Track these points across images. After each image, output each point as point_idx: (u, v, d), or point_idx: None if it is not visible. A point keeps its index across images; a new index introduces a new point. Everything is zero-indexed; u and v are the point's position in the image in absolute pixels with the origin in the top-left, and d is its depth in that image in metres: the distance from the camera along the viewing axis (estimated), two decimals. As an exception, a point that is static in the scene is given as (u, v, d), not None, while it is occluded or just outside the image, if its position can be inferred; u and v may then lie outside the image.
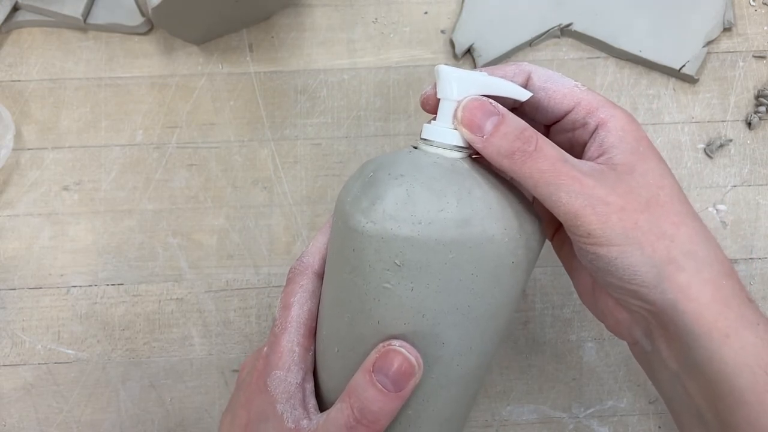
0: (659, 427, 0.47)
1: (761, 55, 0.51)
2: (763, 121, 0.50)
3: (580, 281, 0.37)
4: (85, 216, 0.49)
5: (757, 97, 0.50)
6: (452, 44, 0.51)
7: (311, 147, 0.50)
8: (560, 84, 0.34)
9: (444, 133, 0.33)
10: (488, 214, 0.31)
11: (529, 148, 0.31)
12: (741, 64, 0.51)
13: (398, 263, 0.31)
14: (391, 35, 0.51)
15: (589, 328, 0.48)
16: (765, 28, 0.52)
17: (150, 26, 0.51)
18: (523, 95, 0.33)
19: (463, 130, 0.32)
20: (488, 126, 0.32)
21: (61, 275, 0.48)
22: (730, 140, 0.50)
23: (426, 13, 0.52)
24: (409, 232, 0.30)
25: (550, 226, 0.38)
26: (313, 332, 0.36)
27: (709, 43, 0.50)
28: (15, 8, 0.50)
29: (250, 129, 0.50)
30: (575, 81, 0.35)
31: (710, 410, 0.32)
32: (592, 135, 0.34)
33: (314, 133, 0.50)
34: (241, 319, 0.48)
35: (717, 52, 0.51)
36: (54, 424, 0.46)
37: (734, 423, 0.30)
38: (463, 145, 0.33)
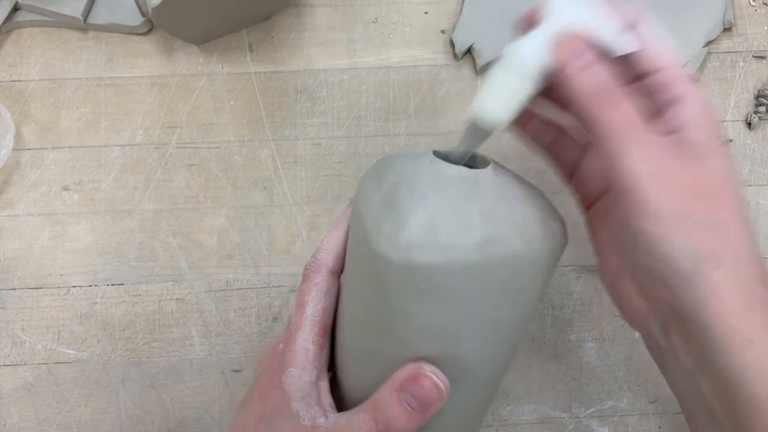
0: (659, 427, 0.47)
1: (761, 55, 0.51)
2: (763, 122, 0.50)
3: (606, 260, 0.35)
4: (85, 216, 0.49)
5: (757, 97, 0.50)
6: (452, 44, 0.51)
7: (311, 147, 0.50)
8: (658, 45, 0.32)
9: (533, 48, 0.32)
10: (512, 230, 0.31)
11: (614, 96, 0.30)
12: (741, 64, 0.51)
13: (422, 288, 0.30)
14: (391, 35, 0.51)
15: (589, 328, 0.48)
16: (765, 28, 0.52)
17: (150, 26, 0.51)
18: (626, 48, 0.32)
19: (561, 50, 0.31)
20: (585, 58, 0.31)
21: (61, 275, 0.48)
22: (730, 140, 0.50)
23: (426, 13, 0.52)
24: (434, 259, 0.30)
25: (588, 197, 0.37)
26: (327, 330, 0.36)
27: (709, 43, 0.50)
28: (15, 8, 0.50)
29: (250, 129, 0.50)
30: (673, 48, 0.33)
31: (724, 412, 0.31)
32: (669, 107, 0.32)
33: (314, 133, 0.50)
34: (241, 319, 0.48)
35: (717, 52, 0.51)
36: (54, 424, 0.46)
37: (750, 428, 0.30)
38: (542, 70, 0.32)
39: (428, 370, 0.32)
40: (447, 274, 0.30)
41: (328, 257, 0.36)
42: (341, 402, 0.35)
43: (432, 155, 0.33)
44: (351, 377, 0.35)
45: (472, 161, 0.34)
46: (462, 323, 0.31)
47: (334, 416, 0.34)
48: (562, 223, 0.34)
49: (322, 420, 0.33)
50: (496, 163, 0.34)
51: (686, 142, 0.31)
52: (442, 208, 0.30)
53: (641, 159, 0.30)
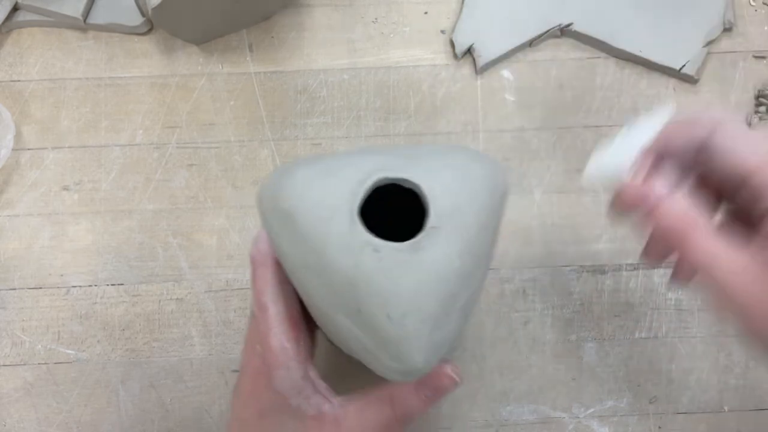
0: (659, 427, 0.47)
1: (761, 55, 0.51)
2: (763, 121, 0.50)
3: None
4: (85, 216, 0.49)
5: (757, 97, 0.50)
6: (452, 44, 0.51)
7: (311, 147, 0.50)
8: (745, 147, 0.31)
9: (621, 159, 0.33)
10: (481, 256, 0.32)
11: (696, 231, 0.30)
12: (741, 64, 0.51)
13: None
14: (391, 35, 0.51)
15: (589, 328, 0.48)
16: (765, 28, 0.52)
17: (150, 26, 0.51)
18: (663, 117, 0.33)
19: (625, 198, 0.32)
20: (652, 199, 0.32)
21: (61, 275, 0.48)
22: (730, 140, 0.50)
23: (426, 13, 0.52)
24: (440, 356, 0.31)
25: None
26: (297, 321, 0.35)
27: (709, 43, 0.50)
28: (15, 8, 0.50)
29: (250, 129, 0.50)
30: None
31: None
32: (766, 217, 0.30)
33: (314, 133, 0.50)
34: (241, 319, 0.48)
35: (717, 52, 0.51)
36: (54, 425, 0.46)
37: None
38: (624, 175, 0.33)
39: (449, 369, 0.34)
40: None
41: (269, 245, 0.35)
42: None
43: (368, 235, 0.29)
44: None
45: (398, 185, 0.32)
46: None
47: (338, 400, 0.34)
48: (502, 171, 0.34)
49: (327, 407, 0.34)
50: (425, 182, 0.31)
51: None
52: (428, 314, 0.29)
53: (742, 292, 0.29)
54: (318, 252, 0.30)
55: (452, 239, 0.30)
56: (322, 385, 0.35)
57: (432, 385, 0.33)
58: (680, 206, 0.31)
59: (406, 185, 0.30)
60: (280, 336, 0.35)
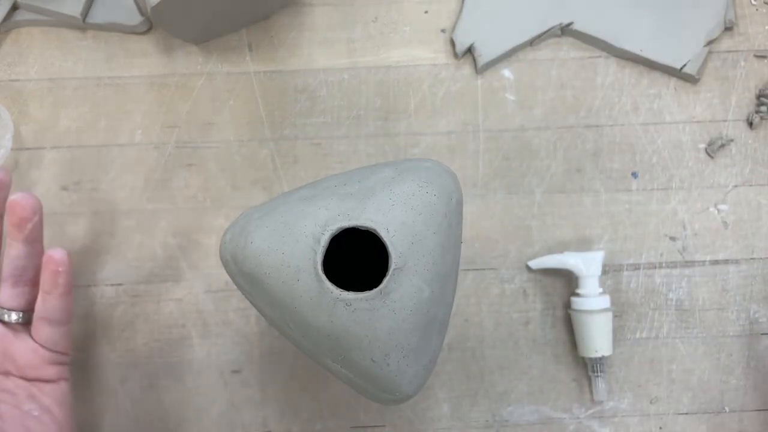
0: (660, 428, 0.47)
1: (762, 54, 0.51)
2: (764, 121, 0.50)
3: None
4: (84, 216, 0.48)
5: (758, 97, 0.50)
6: (452, 44, 0.50)
7: (311, 146, 0.50)
8: None
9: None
10: (449, 276, 0.33)
11: None
12: (742, 63, 0.51)
13: None
14: (391, 35, 0.51)
15: (590, 328, 0.48)
16: (766, 27, 0.51)
17: (149, 25, 0.51)
18: None
19: None
20: None
21: (60, 275, 0.48)
22: (732, 140, 0.50)
23: (426, 12, 0.52)
24: (429, 374, 0.34)
25: None
26: None
27: (710, 42, 0.50)
28: (14, 7, 0.49)
29: (249, 128, 0.50)
30: None
31: None
32: None
33: (314, 133, 0.50)
34: (240, 319, 0.48)
35: (718, 52, 0.51)
36: (53, 425, 0.46)
37: None
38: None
39: None
40: None
41: None
42: None
43: (338, 291, 0.30)
44: None
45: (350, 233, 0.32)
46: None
47: None
48: (453, 179, 0.34)
49: None
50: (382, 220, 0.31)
51: None
52: (409, 349, 0.31)
53: None
54: (291, 311, 0.30)
55: (418, 271, 0.30)
56: None
57: None
58: None
59: (362, 228, 0.31)
60: None
